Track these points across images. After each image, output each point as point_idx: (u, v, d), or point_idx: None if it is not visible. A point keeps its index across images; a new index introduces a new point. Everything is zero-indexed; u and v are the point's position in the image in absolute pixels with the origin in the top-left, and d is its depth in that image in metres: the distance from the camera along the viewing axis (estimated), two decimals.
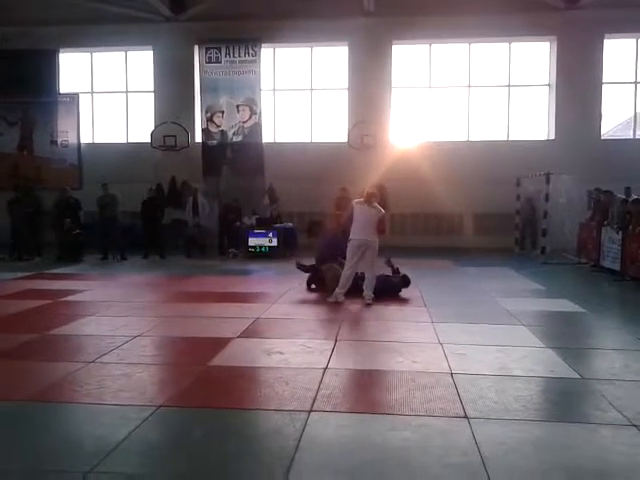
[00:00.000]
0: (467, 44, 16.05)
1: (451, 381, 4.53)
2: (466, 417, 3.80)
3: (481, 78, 16.24)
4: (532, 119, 16.29)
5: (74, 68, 17.28)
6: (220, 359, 5.21)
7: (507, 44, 15.97)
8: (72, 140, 17.01)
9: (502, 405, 4.04)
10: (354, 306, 7.71)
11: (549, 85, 15.98)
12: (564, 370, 4.89)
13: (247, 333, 6.18)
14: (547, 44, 15.93)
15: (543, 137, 16.08)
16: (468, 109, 16.33)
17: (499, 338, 5.93)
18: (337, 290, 7.93)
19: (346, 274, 7.93)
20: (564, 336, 6.23)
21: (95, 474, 3.06)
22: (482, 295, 8.59)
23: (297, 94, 16.77)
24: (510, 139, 16.12)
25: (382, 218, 7.99)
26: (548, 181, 12.75)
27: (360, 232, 7.81)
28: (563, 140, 15.37)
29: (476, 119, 16.36)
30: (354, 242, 7.82)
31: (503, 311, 7.37)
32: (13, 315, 7.09)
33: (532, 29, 15.32)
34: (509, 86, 16.14)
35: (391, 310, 7.55)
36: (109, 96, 17.28)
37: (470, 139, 16.25)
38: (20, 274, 10.64)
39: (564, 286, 9.69)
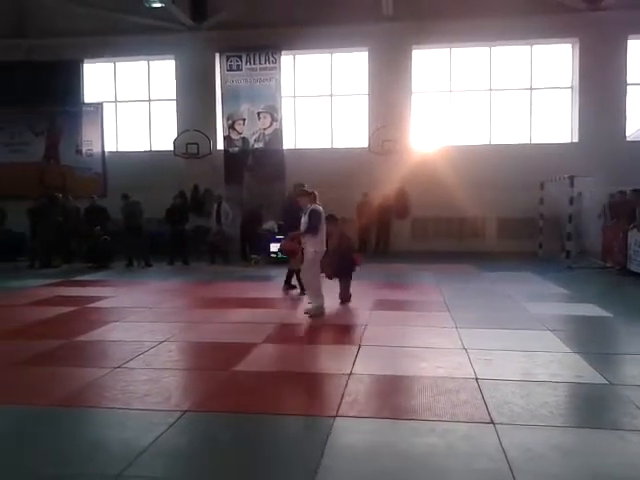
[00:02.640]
0: (488, 47, 15.96)
1: (476, 386, 4.50)
2: (492, 422, 3.78)
3: (502, 81, 16.12)
4: (555, 122, 16.12)
5: (98, 78, 17.55)
6: (245, 364, 5.24)
7: (528, 47, 15.85)
8: (96, 149, 17.28)
9: (528, 411, 4.00)
10: (376, 312, 7.70)
11: (572, 87, 15.80)
12: (591, 375, 4.83)
13: (271, 339, 6.21)
14: (569, 46, 15.77)
15: (566, 140, 15.89)
16: (490, 113, 16.21)
17: (524, 343, 5.87)
18: (318, 303, 7.44)
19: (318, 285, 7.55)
20: (590, 341, 6.15)
21: (123, 478, 3.11)
22: (506, 300, 8.52)
23: (317, 100, 16.83)
24: (533, 142, 15.97)
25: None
26: (572, 184, 12.59)
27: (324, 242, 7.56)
28: (587, 142, 15.17)
29: (498, 123, 16.23)
30: (322, 254, 7.51)
31: (528, 316, 7.30)
32: (42, 321, 7.22)
33: (554, 31, 15.17)
34: (531, 89, 16.00)
35: (414, 315, 7.52)
36: (132, 105, 17.51)
37: (492, 142, 16.13)
38: (48, 281, 10.82)
39: (590, 290, 9.55)
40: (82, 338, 6.30)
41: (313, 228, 7.22)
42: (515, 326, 6.71)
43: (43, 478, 3.16)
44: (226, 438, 3.66)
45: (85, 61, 17.13)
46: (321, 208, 7.45)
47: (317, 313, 7.29)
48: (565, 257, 12.82)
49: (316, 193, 7.56)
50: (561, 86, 15.96)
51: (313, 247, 7.30)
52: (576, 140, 15.63)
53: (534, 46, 15.83)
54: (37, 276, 11.59)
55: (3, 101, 16.98)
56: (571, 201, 12.65)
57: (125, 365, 5.19)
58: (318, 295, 7.43)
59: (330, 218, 7.91)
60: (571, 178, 12.59)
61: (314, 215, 7.28)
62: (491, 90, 16.14)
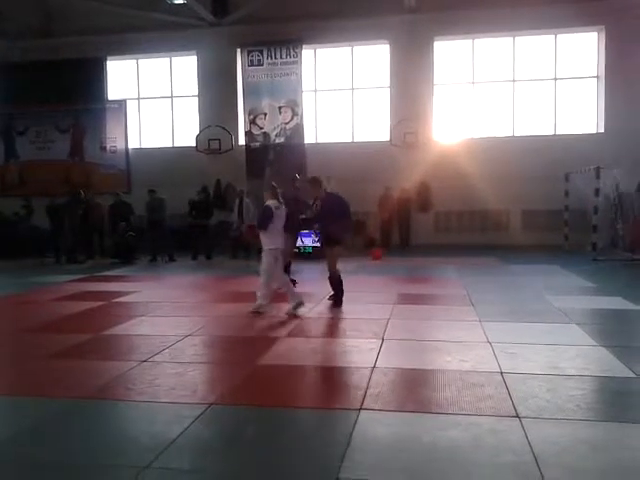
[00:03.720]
0: (511, 37, 15.74)
1: (501, 380, 4.48)
2: (517, 416, 3.75)
3: (526, 72, 15.90)
4: (580, 112, 15.85)
5: (121, 75, 17.75)
6: (269, 358, 5.28)
7: (553, 36, 15.59)
8: (120, 146, 17.49)
9: (555, 404, 3.96)
10: (399, 306, 7.68)
11: (597, 77, 15.51)
12: (619, 369, 4.76)
13: (294, 332, 6.24)
14: (595, 34, 15.48)
15: (592, 130, 15.62)
16: (513, 104, 16.01)
17: (550, 337, 5.81)
18: (263, 302, 7.25)
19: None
20: (618, 334, 6.06)
21: (152, 469, 3.16)
22: (531, 293, 8.43)
23: (338, 94, 16.79)
24: (557, 133, 15.73)
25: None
26: (598, 175, 12.39)
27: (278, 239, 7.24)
28: (613, 133, 14.89)
29: (521, 114, 16.02)
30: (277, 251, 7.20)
31: (553, 309, 7.22)
32: (69, 316, 7.35)
33: (579, 19, 14.87)
34: (555, 79, 15.75)
35: (438, 309, 7.49)
36: (155, 102, 17.67)
37: (515, 134, 15.94)
38: (74, 277, 11.01)
39: (616, 283, 9.41)
40: (109, 332, 6.40)
41: (258, 225, 7.18)
42: (540, 319, 6.65)
43: (73, 469, 3.23)
44: (251, 431, 3.69)
45: (108, 59, 17.35)
46: (273, 204, 7.10)
47: (257, 310, 7.14)
48: (591, 249, 12.64)
49: (278, 190, 7.31)
50: (586, 75, 15.68)
51: (266, 245, 7.16)
52: (602, 131, 15.36)
53: (558, 35, 15.57)
54: (63, 272, 11.80)
55: (30, 100, 17.29)
56: (597, 193, 12.45)
57: (151, 359, 5.26)
58: (265, 295, 7.22)
59: (313, 181, 7.81)
60: (597, 169, 12.40)
61: (261, 212, 7.27)
62: (514, 81, 15.94)
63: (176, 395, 4.34)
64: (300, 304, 7.14)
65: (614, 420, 3.81)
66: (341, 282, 7.74)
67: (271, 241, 7.12)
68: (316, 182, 7.82)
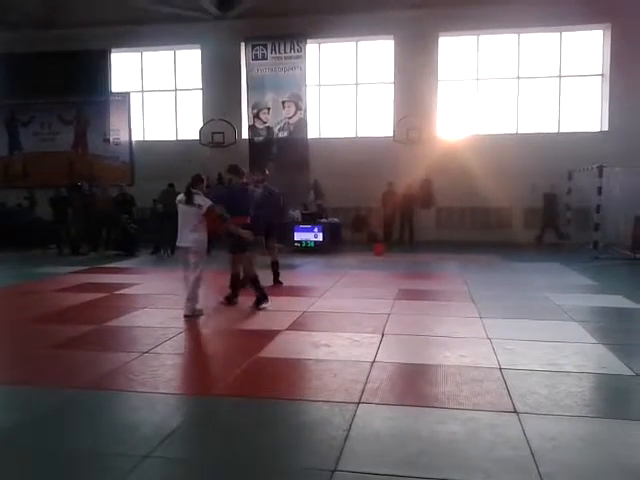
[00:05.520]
0: (516, 34, 15.71)
1: (500, 376, 4.50)
2: (515, 412, 3.78)
3: (530, 69, 15.87)
4: (584, 110, 15.82)
5: (125, 68, 17.75)
6: (269, 351, 5.31)
7: (558, 33, 15.55)
8: (124, 138, 17.51)
9: (553, 400, 3.99)
10: (400, 301, 7.70)
11: (602, 75, 15.48)
12: (617, 366, 4.79)
13: (294, 326, 6.28)
14: (600, 32, 15.43)
15: (596, 129, 15.61)
16: (517, 101, 15.99)
17: (549, 334, 5.83)
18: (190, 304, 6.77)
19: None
20: (617, 332, 6.07)
21: (152, 458, 3.20)
22: (531, 290, 8.44)
23: (342, 89, 16.77)
24: (561, 131, 15.72)
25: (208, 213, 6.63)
26: (601, 174, 12.38)
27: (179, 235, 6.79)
28: (617, 131, 14.86)
29: (525, 111, 16.00)
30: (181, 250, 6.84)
31: (553, 306, 7.24)
32: (71, 307, 7.39)
33: (584, 17, 14.82)
34: (560, 76, 15.72)
35: (438, 305, 7.51)
36: (159, 94, 17.67)
37: (519, 132, 15.92)
38: (77, 268, 11.05)
39: (617, 281, 9.43)
40: (111, 324, 6.44)
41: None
42: (540, 317, 6.67)
43: (75, 457, 3.27)
44: (250, 422, 3.72)
45: (112, 51, 17.36)
46: (180, 198, 6.76)
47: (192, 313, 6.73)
48: (592, 248, 12.65)
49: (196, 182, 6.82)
50: (591, 73, 15.65)
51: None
52: (606, 129, 15.34)
53: (563, 33, 15.53)
54: (66, 263, 11.84)
55: (34, 91, 17.31)
56: (599, 191, 12.45)
57: (153, 350, 5.29)
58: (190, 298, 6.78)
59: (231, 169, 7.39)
60: (600, 168, 12.39)
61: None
62: (519, 78, 15.91)
63: (177, 386, 4.39)
64: (196, 311, 6.75)
65: (612, 417, 3.83)
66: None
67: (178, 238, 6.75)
68: (235, 170, 7.41)
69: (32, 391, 4.30)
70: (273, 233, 8.77)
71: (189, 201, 6.62)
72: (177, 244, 6.89)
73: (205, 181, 6.99)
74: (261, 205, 8.12)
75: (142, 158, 16.97)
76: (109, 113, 17.50)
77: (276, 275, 9.03)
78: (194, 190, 6.69)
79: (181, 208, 6.71)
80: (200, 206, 6.58)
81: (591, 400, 4.21)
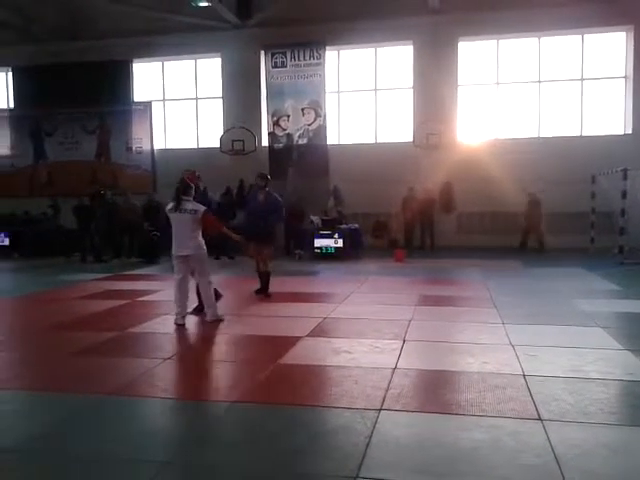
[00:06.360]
0: (537, 38, 15.58)
1: (523, 382, 4.45)
2: (539, 419, 3.73)
3: (552, 72, 15.72)
4: (607, 113, 15.61)
5: (147, 77, 18.00)
6: (290, 357, 5.31)
7: (579, 36, 15.39)
8: (146, 146, 17.75)
9: (578, 408, 3.93)
10: (421, 307, 7.66)
11: (625, 77, 15.27)
12: None
13: (315, 332, 6.27)
14: (623, 34, 15.24)
15: (619, 131, 15.39)
16: (539, 105, 15.84)
17: (573, 340, 5.75)
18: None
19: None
20: None
21: (174, 465, 3.22)
22: (554, 296, 8.33)
23: (362, 95, 16.79)
24: (584, 134, 15.53)
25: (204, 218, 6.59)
26: (625, 177, 12.19)
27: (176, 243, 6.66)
28: None
29: (547, 115, 15.85)
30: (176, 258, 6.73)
31: (577, 312, 7.13)
32: (94, 314, 7.48)
33: (607, 19, 14.65)
34: (582, 79, 15.54)
35: (460, 311, 7.45)
36: (180, 103, 17.88)
37: (541, 135, 15.77)
38: (99, 275, 11.19)
39: None
40: (134, 330, 6.50)
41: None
42: (564, 322, 6.58)
43: (97, 463, 3.29)
44: (272, 428, 3.72)
45: (134, 61, 17.63)
46: (170, 205, 6.65)
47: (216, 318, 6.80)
48: (618, 253, 12.44)
49: (184, 187, 6.65)
50: (614, 76, 15.44)
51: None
52: (629, 132, 15.12)
53: (585, 35, 15.36)
54: (89, 270, 12.00)
55: (58, 101, 17.63)
56: (624, 195, 12.26)
57: (175, 357, 5.33)
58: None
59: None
60: (624, 171, 12.20)
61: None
62: (540, 82, 15.77)
63: (199, 392, 4.40)
64: (182, 316, 6.70)
65: (638, 425, 3.76)
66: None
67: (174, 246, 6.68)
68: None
69: (53, 398, 4.35)
70: (269, 241, 8.46)
71: (181, 208, 6.51)
72: (174, 253, 6.70)
73: (201, 185, 6.92)
74: (256, 211, 8.34)
75: (164, 166, 17.15)
76: (131, 122, 17.77)
77: (265, 285, 8.70)
78: (184, 197, 6.57)
79: (174, 216, 6.57)
80: (195, 211, 6.52)
81: (617, 407, 4.13)
